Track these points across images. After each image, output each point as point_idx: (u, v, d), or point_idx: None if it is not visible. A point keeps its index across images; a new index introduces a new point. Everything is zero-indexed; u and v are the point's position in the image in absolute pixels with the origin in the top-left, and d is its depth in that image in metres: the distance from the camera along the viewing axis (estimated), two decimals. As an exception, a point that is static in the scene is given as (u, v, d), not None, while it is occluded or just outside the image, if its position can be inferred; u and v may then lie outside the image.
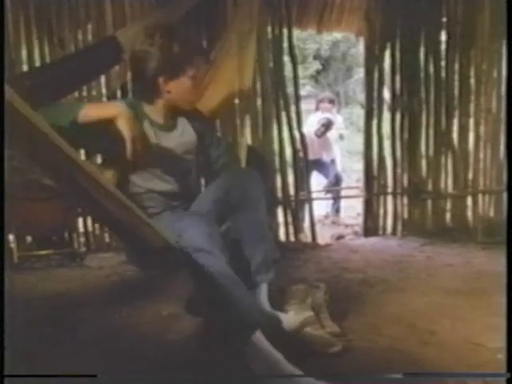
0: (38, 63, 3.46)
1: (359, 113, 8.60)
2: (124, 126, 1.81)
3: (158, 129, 2.07)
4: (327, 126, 5.48)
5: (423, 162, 4.17)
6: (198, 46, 2.14)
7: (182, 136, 2.14)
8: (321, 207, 5.65)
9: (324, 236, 4.42)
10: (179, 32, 2.09)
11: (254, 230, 2.01)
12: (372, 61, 4.08)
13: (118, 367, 1.88)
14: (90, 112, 1.82)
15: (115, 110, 1.84)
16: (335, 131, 5.75)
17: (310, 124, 5.58)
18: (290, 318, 1.96)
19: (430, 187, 4.18)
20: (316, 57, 13.62)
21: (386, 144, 4.17)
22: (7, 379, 1.32)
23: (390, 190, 4.22)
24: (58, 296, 2.76)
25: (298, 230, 4.04)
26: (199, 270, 1.75)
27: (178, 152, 2.11)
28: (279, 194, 3.96)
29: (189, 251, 1.76)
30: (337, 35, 11.39)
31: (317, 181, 5.70)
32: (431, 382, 1.74)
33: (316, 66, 13.60)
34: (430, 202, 4.20)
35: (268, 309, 1.98)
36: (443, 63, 4.07)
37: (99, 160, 2.25)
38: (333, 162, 5.89)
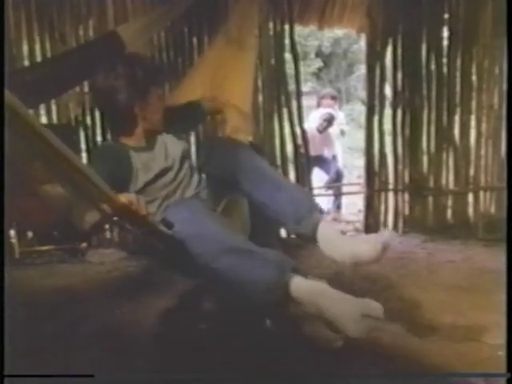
0: (39, 58, 3.46)
1: (360, 109, 8.58)
2: None
3: (141, 152, 2.09)
4: (329, 121, 5.46)
5: (424, 159, 4.16)
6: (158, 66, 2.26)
7: (165, 149, 2.16)
8: (322, 203, 5.63)
9: (325, 232, 4.40)
10: (138, 58, 2.15)
11: (268, 185, 1.97)
12: (373, 57, 4.07)
13: (120, 363, 1.89)
14: None
15: None
16: (337, 127, 5.74)
17: (312, 120, 5.57)
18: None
19: (431, 184, 4.17)
20: (317, 53, 13.59)
21: (388, 140, 4.16)
22: (7, 379, 1.32)
23: (391, 186, 4.21)
24: (59, 291, 2.77)
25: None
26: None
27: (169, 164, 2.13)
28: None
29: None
30: (338, 32, 11.33)
31: (318, 177, 5.69)
32: (431, 382, 1.74)
33: (317, 62, 13.57)
34: (431, 199, 4.19)
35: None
36: (445, 60, 4.06)
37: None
38: (334, 158, 5.88)
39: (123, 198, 1.57)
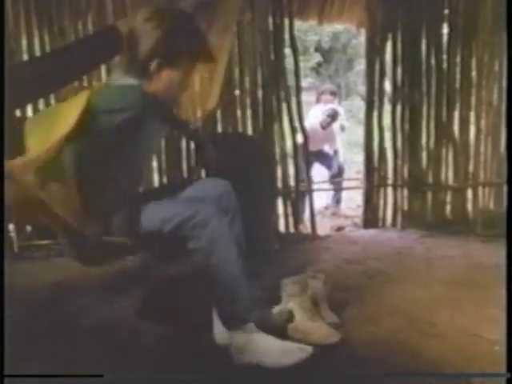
0: (38, 53, 3.45)
1: (360, 105, 8.59)
2: None
3: None
4: (333, 116, 5.45)
5: (424, 154, 4.16)
6: (204, 41, 1.98)
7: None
8: (321, 199, 5.64)
9: (324, 227, 4.42)
10: (189, 21, 1.98)
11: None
12: (373, 52, 4.06)
13: (118, 357, 1.89)
14: None
15: None
16: (337, 122, 5.73)
17: (314, 115, 5.57)
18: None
19: (430, 179, 4.18)
20: (317, 48, 13.58)
21: (387, 136, 4.16)
22: (7, 379, 1.32)
23: (390, 181, 4.22)
24: (57, 285, 2.77)
25: (297, 221, 4.04)
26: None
27: None
28: (279, 185, 3.96)
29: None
30: (338, 26, 11.34)
31: (319, 172, 5.69)
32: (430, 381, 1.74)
33: (317, 57, 13.57)
34: (430, 194, 4.19)
35: None
36: (445, 56, 4.06)
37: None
38: (336, 153, 5.89)
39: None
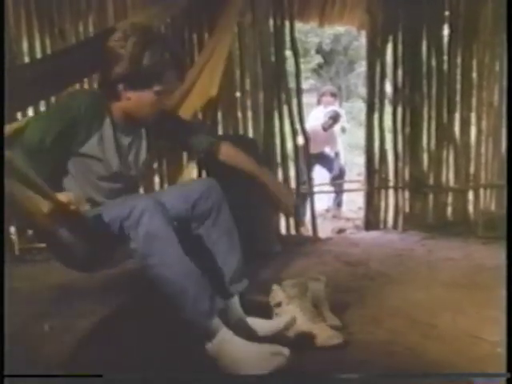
0: (39, 55, 3.45)
1: (361, 106, 8.59)
2: None
3: (117, 130, 1.97)
4: (335, 118, 5.45)
5: (425, 156, 4.16)
6: (174, 60, 1.91)
7: (136, 154, 2.07)
8: (322, 201, 5.64)
9: (325, 229, 4.42)
10: (157, 42, 1.90)
11: (224, 239, 1.97)
12: (374, 54, 4.06)
13: (120, 358, 1.89)
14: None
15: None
16: (338, 124, 5.73)
17: (315, 117, 5.56)
18: (266, 324, 1.96)
19: (431, 181, 4.18)
20: (318, 50, 13.58)
21: (388, 138, 4.16)
22: (7, 379, 1.32)
23: (391, 183, 4.22)
24: (59, 288, 2.76)
25: (299, 223, 4.04)
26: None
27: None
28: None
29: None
30: (339, 28, 11.32)
31: (320, 174, 5.69)
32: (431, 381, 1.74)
33: (318, 59, 13.57)
34: (431, 196, 4.19)
35: (242, 317, 1.96)
36: (445, 57, 4.06)
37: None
38: (337, 155, 5.89)
39: (62, 196, 1.59)
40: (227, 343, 1.70)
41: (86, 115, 1.85)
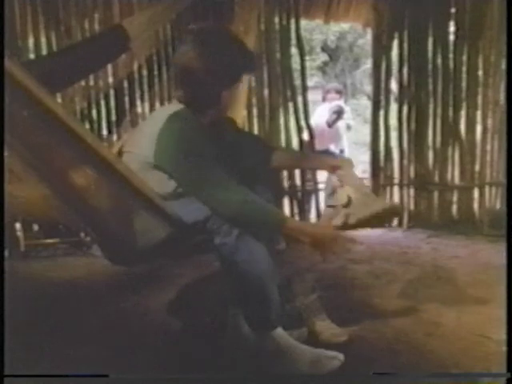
0: (44, 52, 3.46)
1: (366, 104, 8.59)
2: None
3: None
4: (339, 113, 5.42)
5: (430, 154, 4.16)
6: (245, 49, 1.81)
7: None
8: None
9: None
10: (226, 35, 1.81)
11: None
12: (379, 52, 4.06)
13: (124, 356, 1.89)
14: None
15: None
16: (343, 121, 5.71)
17: (320, 115, 5.55)
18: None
19: (436, 179, 4.17)
20: (323, 48, 13.57)
21: (393, 135, 4.16)
22: (7, 379, 1.32)
23: (396, 181, 4.21)
24: (64, 284, 2.77)
25: (304, 220, 4.04)
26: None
27: None
28: (286, 184, 3.96)
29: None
30: (344, 26, 11.33)
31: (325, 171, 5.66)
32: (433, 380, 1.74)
33: (323, 56, 13.55)
34: (436, 194, 4.19)
35: None
36: (451, 54, 4.05)
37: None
38: (342, 152, 5.87)
39: None
40: (283, 345, 1.74)
41: None
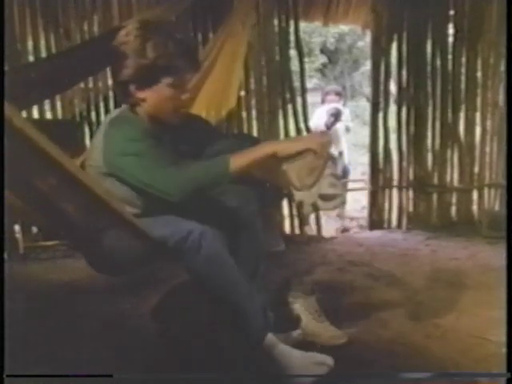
0: (44, 54, 3.46)
1: (365, 106, 8.57)
2: None
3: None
4: (337, 115, 5.42)
5: (429, 156, 4.16)
6: (180, 48, 1.71)
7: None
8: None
9: (329, 229, 4.42)
10: (158, 31, 1.72)
11: None
12: (378, 54, 4.06)
13: (123, 358, 1.89)
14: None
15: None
16: (342, 123, 5.71)
17: (319, 117, 5.55)
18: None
19: (435, 181, 4.17)
20: (322, 50, 13.58)
21: (392, 137, 4.16)
22: (7, 379, 1.32)
23: (395, 183, 4.21)
24: (63, 286, 2.77)
25: (303, 222, 4.04)
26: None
27: None
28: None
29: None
30: (343, 28, 11.34)
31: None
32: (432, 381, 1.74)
33: (322, 58, 13.56)
34: (435, 196, 4.18)
35: None
36: (450, 56, 4.05)
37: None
38: (341, 154, 5.87)
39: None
40: (275, 350, 1.72)
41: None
